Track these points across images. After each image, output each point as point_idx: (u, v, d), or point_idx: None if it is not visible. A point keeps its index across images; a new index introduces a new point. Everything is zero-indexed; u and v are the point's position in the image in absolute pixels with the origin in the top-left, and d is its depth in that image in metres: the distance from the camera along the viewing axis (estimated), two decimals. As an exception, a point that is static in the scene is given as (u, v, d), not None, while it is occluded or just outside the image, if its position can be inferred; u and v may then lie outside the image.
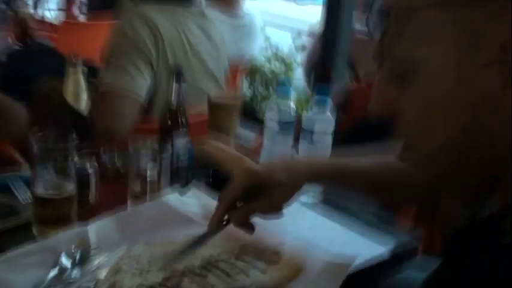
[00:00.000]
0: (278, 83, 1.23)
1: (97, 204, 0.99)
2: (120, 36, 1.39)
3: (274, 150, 1.24)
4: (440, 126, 0.49)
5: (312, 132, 1.15)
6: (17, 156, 1.22)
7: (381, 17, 0.52)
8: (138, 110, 1.35)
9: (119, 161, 1.13)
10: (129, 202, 1.02)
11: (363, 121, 1.89)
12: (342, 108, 2.07)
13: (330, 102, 1.15)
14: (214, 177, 1.15)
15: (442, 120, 0.49)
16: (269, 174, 0.82)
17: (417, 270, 1.01)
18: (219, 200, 0.85)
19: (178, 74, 1.10)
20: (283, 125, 1.21)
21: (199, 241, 0.84)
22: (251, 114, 2.55)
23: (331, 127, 1.16)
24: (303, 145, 1.18)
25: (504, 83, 0.45)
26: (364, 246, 1.00)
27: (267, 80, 3.21)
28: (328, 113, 1.16)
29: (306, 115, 1.17)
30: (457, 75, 0.47)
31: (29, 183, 1.05)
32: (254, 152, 1.53)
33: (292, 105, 1.21)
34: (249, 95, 3.24)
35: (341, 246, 1.00)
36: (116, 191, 1.04)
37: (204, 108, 1.37)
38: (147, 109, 1.39)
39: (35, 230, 0.92)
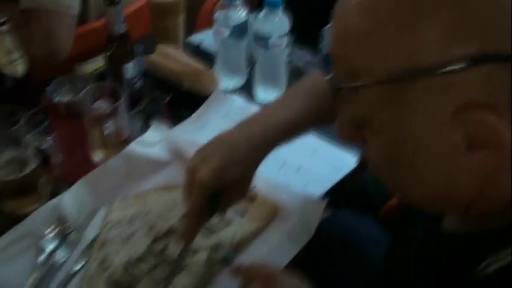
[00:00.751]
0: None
1: (63, 164, 0.95)
2: None
3: (228, 56, 1.18)
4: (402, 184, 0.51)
5: (265, 38, 1.09)
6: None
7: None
8: (74, 24, 1.22)
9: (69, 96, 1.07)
10: (93, 154, 1.00)
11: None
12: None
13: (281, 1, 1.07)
14: (174, 93, 1.11)
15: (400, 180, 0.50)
16: (224, 180, 0.73)
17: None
18: (185, 220, 0.77)
19: (111, -3, 0.98)
20: (234, 29, 1.13)
21: (177, 264, 0.79)
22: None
23: (286, 28, 1.09)
24: (259, 51, 1.12)
25: (469, 146, 0.43)
26: (335, 154, 1.03)
27: None
28: (281, 14, 1.08)
29: (257, 19, 1.09)
30: (413, 144, 0.46)
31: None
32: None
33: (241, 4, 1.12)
34: None
35: (312, 154, 1.04)
36: (76, 136, 0.99)
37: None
38: (81, 18, 1.26)
39: (5, 208, 0.90)
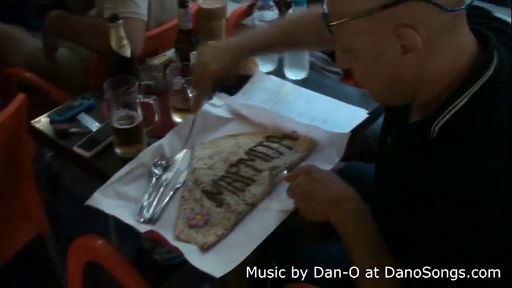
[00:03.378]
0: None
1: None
2: None
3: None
4: (373, 85, 0.88)
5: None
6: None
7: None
8: (144, 28, 1.60)
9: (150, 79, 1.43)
10: (173, 115, 1.35)
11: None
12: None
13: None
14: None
15: (372, 83, 0.87)
16: (225, 72, 1.24)
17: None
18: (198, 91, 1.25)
19: (182, 1, 1.35)
20: (270, 23, 1.50)
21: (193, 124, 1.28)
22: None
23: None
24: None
25: (404, 51, 0.78)
26: (350, 110, 1.38)
27: None
28: (305, 8, 1.44)
29: (287, 13, 1.46)
30: (374, 56, 0.81)
31: (92, 109, 1.38)
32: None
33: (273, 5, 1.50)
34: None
35: (333, 111, 1.39)
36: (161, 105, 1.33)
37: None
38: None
39: (118, 152, 1.25)
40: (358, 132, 1.35)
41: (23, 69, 1.87)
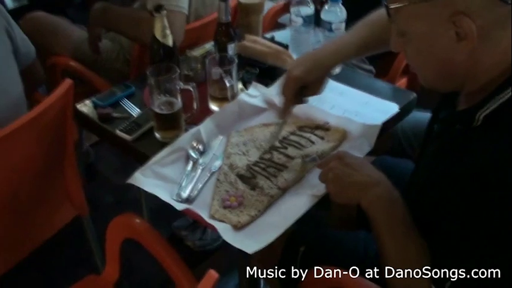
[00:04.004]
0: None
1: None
2: None
3: (299, 41, 1.59)
4: (425, 70, 0.90)
5: (330, 23, 1.49)
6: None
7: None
8: (185, 21, 1.66)
9: (190, 69, 1.49)
10: (210, 104, 1.40)
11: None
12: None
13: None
14: (260, 69, 1.52)
15: (425, 67, 0.90)
16: (309, 78, 1.18)
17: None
18: (284, 97, 1.21)
19: (223, -4, 1.41)
20: (306, 18, 1.54)
21: (281, 127, 1.26)
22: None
23: (344, 16, 1.49)
24: (323, 33, 1.52)
25: (458, 38, 0.81)
26: (382, 104, 1.42)
27: None
28: (340, 5, 1.49)
29: (323, 9, 1.50)
30: (429, 41, 0.84)
31: (133, 96, 1.45)
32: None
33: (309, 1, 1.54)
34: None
35: (365, 104, 1.42)
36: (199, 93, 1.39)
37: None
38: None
39: (157, 136, 1.31)
40: (389, 126, 1.38)
41: (69, 58, 1.96)
